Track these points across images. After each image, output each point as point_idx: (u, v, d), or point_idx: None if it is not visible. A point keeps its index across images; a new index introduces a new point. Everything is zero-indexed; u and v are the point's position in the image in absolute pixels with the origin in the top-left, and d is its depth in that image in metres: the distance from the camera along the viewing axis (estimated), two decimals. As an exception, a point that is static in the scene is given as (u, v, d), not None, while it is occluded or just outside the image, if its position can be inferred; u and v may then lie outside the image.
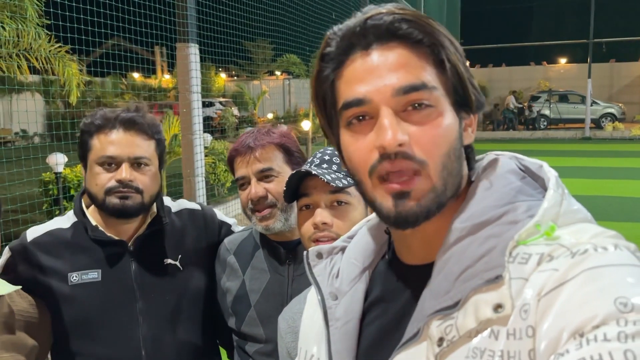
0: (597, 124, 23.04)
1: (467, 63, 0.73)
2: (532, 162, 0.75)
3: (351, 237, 0.89)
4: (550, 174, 0.70)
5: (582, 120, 22.58)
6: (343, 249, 0.87)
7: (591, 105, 22.22)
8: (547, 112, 24.02)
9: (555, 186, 0.68)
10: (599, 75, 25.62)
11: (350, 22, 0.70)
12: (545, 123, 24.06)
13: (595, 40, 22.98)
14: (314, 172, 1.18)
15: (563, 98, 24.36)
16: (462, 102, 0.71)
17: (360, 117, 0.69)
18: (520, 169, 0.74)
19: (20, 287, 1.31)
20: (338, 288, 0.81)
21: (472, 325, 0.62)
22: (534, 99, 24.76)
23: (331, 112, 0.74)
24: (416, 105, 0.67)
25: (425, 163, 0.66)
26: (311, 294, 0.91)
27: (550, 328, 0.56)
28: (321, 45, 0.74)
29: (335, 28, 0.72)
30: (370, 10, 0.69)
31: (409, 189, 0.67)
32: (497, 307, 0.60)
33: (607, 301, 0.54)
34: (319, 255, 0.86)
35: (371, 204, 0.71)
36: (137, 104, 1.47)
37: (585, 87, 22.19)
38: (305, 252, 0.87)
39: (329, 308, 0.80)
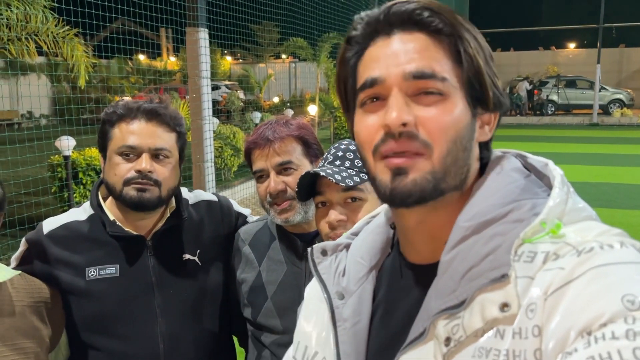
0: (605, 110, 22.83)
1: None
2: (537, 160, 0.75)
3: (355, 234, 0.89)
4: (555, 172, 0.70)
5: (590, 106, 22.39)
6: (347, 246, 0.87)
7: (599, 91, 21.99)
8: (554, 97, 23.81)
9: (560, 184, 0.68)
10: (608, 61, 25.34)
11: (376, 10, 0.73)
12: (552, 109, 23.86)
13: (605, 25, 22.64)
14: (322, 173, 1.19)
15: (571, 83, 24.12)
16: (478, 97, 0.70)
17: (374, 99, 0.71)
18: (525, 167, 0.75)
19: (19, 272, 1.31)
20: (345, 287, 0.81)
21: (479, 325, 0.62)
22: (542, 84, 24.54)
23: (350, 95, 0.76)
24: (428, 91, 0.68)
25: (430, 145, 0.67)
26: (311, 288, 0.90)
27: (557, 327, 0.56)
28: (349, 29, 0.76)
29: (363, 14, 0.74)
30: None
31: (407, 166, 0.67)
32: (504, 306, 0.60)
33: (614, 299, 0.54)
34: (324, 252, 0.86)
35: (372, 181, 0.72)
36: (160, 96, 1.46)
37: (594, 73, 21.95)
38: (309, 249, 0.86)
39: (336, 308, 0.79)
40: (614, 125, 21.07)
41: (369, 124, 0.71)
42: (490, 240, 0.65)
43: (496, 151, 0.78)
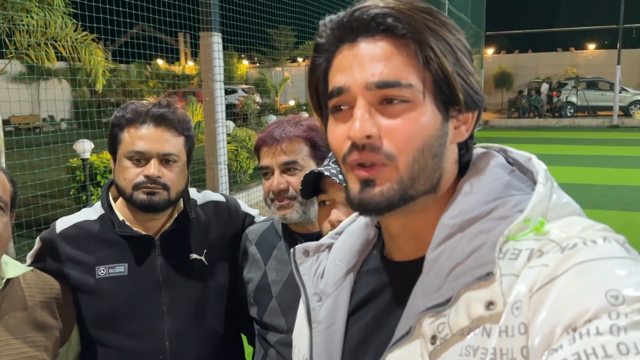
0: (625, 111, 22.50)
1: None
2: (520, 154, 0.75)
3: (339, 233, 0.89)
4: (539, 167, 0.70)
5: (610, 108, 22.05)
6: (330, 246, 0.87)
7: (620, 93, 21.67)
8: (574, 99, 23.51)
9: (544, 180, 0.67)
10: (629, 62, 24.96)
11: (341, 14, 0.71)
12: (572, 110, 23.56)
13: (626, 25, 22.31)
14: (326, 173, 1.20)
15: (591, 85, 23.80)
16: (449, 100, 0.68)
17: (342, 106, 0.70)
18: (509, 162, 0.74)
19: (32, 268, 1.36)
20: (322, 289, 0.81)
21: (465, 323, 0.62)
22: (561, 85, 24.25)
23: (323, 99, 0.76)
24: (393, 99, 0.66)
25: (394, 157, 0.66)
26: None
27: (543, 324, 0.56)
28: (316, 35, 0.75)
29: (327, 19, 0.72)
30: (361, 2, 0.70)
31: (374, 177, 0.67)
32: (489, 305, 0.60)
33: (598, 295, 0.54)
34: (306, 253, 0.86)
35: (345, 188, 0.73)
36: (168, 99, 1.48)
37: (614, 74, 21.61)
38: (292, 250, 0.87)
39: (313, 309, 0.80)
40: (634, 127, 20.75)
41: (337, 134, 0.71)
42: (475, 237, 0.65)
43: (478, 147, 0.77)
